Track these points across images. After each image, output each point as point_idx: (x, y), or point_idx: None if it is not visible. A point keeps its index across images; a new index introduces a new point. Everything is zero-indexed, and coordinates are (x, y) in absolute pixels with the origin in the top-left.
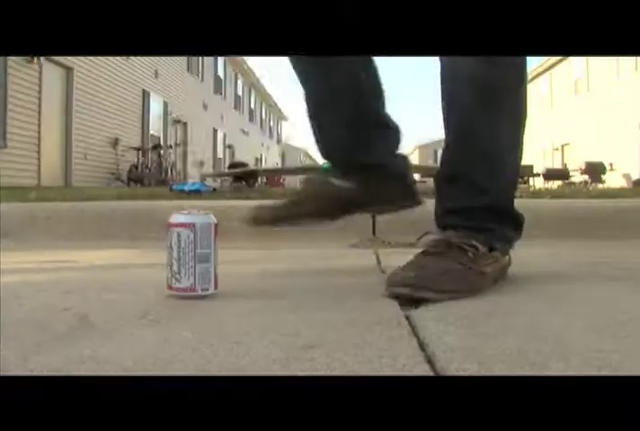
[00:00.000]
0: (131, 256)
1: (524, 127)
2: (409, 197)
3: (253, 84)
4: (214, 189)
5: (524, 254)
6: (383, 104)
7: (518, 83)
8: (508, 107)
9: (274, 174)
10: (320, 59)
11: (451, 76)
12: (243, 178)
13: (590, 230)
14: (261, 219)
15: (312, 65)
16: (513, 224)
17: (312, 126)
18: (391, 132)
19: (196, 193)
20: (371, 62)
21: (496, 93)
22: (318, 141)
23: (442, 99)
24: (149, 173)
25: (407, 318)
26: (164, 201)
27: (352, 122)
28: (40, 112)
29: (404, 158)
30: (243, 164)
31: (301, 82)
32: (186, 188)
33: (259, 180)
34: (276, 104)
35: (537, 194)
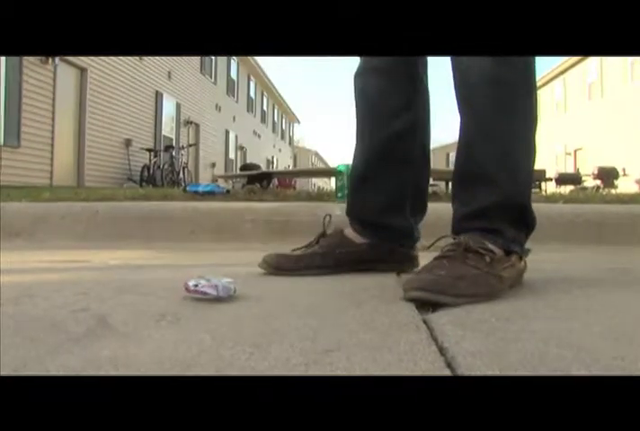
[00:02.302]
0: (146, 256)
1: (536, 128)
2: (411, 261)
3: (266, 86)
4: (227, 191)
5: (539, 259)
6: (427, 179)
7: (530, 83)
8: (522, 107)
9: (290, 176)
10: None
11: (465, 77)
12: (257, 180)
13: (604, 235)
14: (272, 267)
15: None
16: (527, 228)
17: (355, 185)
18: (421, 204)
19: (210, 194)
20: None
21: (511, 93)
22: (352, 198)
23: (457, 100)
24: (162, 174)
25: (425, 322)
26: (178, 202)
27: (397, 192)
28: (53, 112)
29: (418, 229)
30: (255, 166)
31: (361, 138)
32: (200, 189)
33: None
34: (288, 106)
35: (551, 199)
